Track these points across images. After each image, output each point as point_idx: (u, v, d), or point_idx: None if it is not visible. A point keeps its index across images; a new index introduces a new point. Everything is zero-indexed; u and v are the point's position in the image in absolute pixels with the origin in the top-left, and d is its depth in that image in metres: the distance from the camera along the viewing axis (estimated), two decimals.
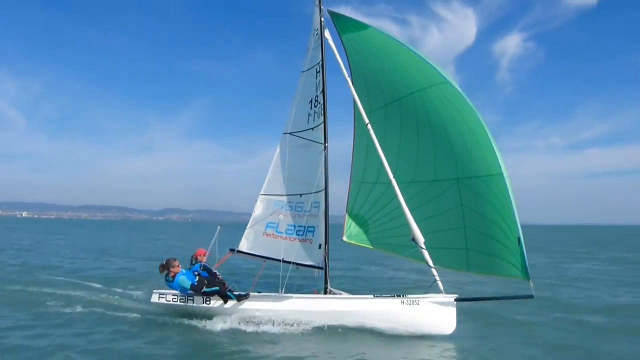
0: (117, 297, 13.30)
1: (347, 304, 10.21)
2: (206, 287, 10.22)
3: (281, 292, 10.19)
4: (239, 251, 12.15)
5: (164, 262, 10.32)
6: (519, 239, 9.27)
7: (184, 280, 10.07)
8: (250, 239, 12.22)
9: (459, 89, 10.31)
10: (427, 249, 10.44)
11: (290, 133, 12.07)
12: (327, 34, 11.58)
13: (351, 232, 12.12)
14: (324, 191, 11.35)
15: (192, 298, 10.43)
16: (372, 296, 10.22)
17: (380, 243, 11.64)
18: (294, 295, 10.25)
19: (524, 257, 9.28)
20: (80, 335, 9.42)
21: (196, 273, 10.31)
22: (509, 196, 9.45)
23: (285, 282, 10.26)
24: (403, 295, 9.83)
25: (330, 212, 11.51)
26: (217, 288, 10.25)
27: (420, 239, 9.97)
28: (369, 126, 10.71)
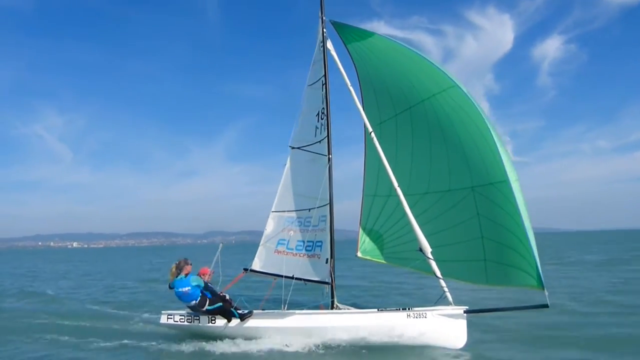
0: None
1: (351, 319, 9.73)
2: (222, 306, 10.02)
3: (284, 308, 9.84)
4: (252, 270, 11.87)
5: (179, 262, 10.27)
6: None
7: (198, 279, 10.03)
8: (262, 257, 11.98)
9: (468, 92, 9.91)
10: (445, 262, 9.99)
11: (298, 147, 11.82)
12: (329, 45, 11.35)
13: (365, 247, 11.69)
14: (329, 204, 10.98)
15: (198, 318, 10.29)
16: (376, 310, 9.72)
17: (397, 258, 11.17)
18: (297, 311, 9.89)
19: (537, 266, 8.74)
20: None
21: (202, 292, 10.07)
22: (521, 202, 8.98)
23: (288, 298, 9.86)
24: (409, 309, 9.36)
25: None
26: (220, 304, 10.01)
27: (427, 249, 9.54)
28: (373, 135, 10.41)
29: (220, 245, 11.04)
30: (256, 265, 11.96)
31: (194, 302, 9.92)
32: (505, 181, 9.05)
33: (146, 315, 13.67)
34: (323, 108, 11.44)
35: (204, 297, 9.98)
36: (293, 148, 11.96)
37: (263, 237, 12.03)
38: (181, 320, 10.43)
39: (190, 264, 10.29)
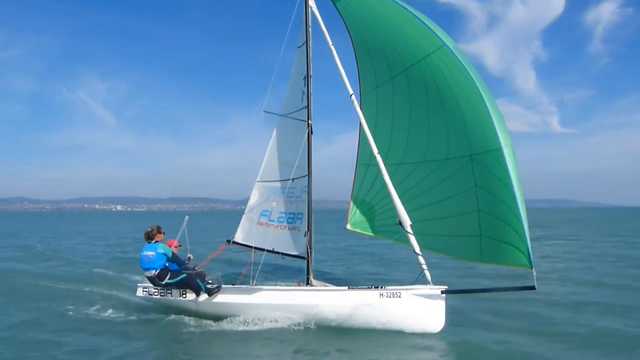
0: None
1: (319, 297, 9.02)
2: (186, 278, 9.53)
3: (252, 283, 9.32)
4: (234, 242, 11.36)
5: (151, 229, 9.77)
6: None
7: (166, 248, 9.52)
8: (245, 229, 11.47)
9: (462, 52, 8.97)
10: (439, 236, 9.36)
11: (285, 114, 11.10)
12: (312, 2, 10.47)
13: (355, 219, 10.99)
14: (308, 175, 10.33)
15: (170, 292, 9.82)
16: (346, 288, 9.02)
17: (387, 231, 10.36)
18: (264, 287, 9.36)
19: (528, 243, 7.88)
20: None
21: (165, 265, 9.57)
22: (515, 172, 8.11)
23: (258, 272, 9.50)
24: (382, 287, 8.57)
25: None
26: (184, 276, 9.52)
27: (407, 222, 8.73)
28: (353, 98, 9.51)
29: (186, 217, 10.64)
30: (238, 237, 11.45)
31: (153, 271, 9.44)
32: (502, 148, 8.13)
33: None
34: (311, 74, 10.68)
35: (165, 269, 9.48)
36: (281, 116, 11.24)
37: (247, 208, 11.49)
38: (155, 294, 10.00)
39: (163, 233, 9.78)
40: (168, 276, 9.47)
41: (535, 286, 7.71)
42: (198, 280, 9.50)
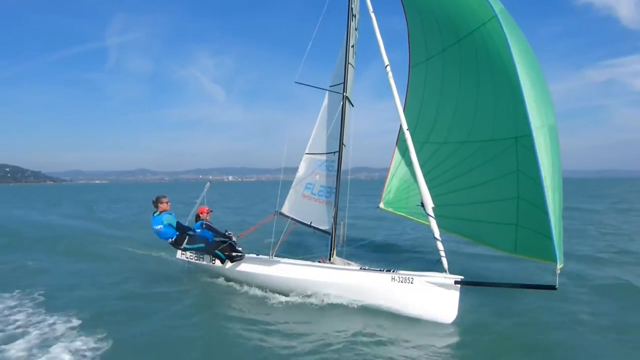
0: None
1: (332, 275, 8.77)
2: (204, 247, 9.95)
3: (272, 256, 9.29)
4: (281, 214, 11.51)
5: (155, 199, 9.98)
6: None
7: (170, 218, 9.70)
8: (291, 201, 11.47)
9: (513, 22, 8.10)
10: (472, 222, 8.84)
11: (330, 87, 10.85)
12: None
13: (389, 198, 10.57)
14: (339, 148, 10.03)
15: (202, 257, 10.30)
16: (358, 268, 8.69)
17: (419, 213, 9.80)
18: (282, 260, 9.26)
19: (561, 237, 7.07)
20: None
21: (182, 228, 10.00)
22: (558, 154, 7.38)
23: (278, 245, 9.48)
24: (394, 271, 8.13)
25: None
26: (202, 245, 9.87)
27: (429, 204, 8.11)
28: (388, 69, 8.92)
29: (208, 184, 10.92)
30: (285, 208, 11.50)
31: (170, 239, 9.80)
32: (547, 128, 7.33)
33: None
34: (353, 44, 10.31)
35: (181, 235, 9.82)
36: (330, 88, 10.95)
37: (295, 180, 11.45)
38: (190, 257, 10.57)
39: (166, 202, 9.93)
40: (185, 241, 9.87)
41: (557, 286, 6.86)
42: (217, 251, 9.80)
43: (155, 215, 9.83)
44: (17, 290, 9.63)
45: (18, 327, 7.50)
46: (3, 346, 6.70)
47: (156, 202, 9.86)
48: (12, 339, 6.96)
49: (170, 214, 9.80)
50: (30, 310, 8.33)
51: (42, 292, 9.51)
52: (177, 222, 9.90)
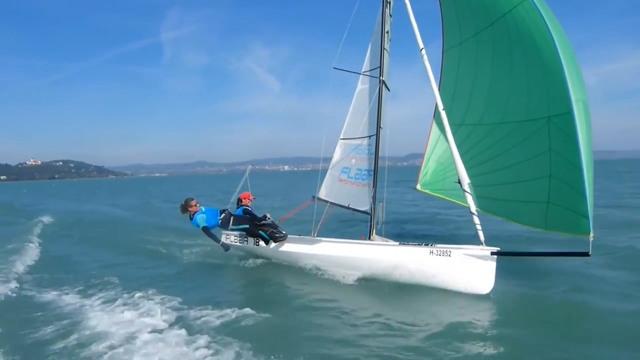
0: None
1: (372, 251, 9.20)
2: (249, 227, 10.49)
3: (313, 235, 9.84)
4: (318, 198, 11.95)
5: (183, 203, 10.51)
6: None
7: (202, 218, 10.21)
8: (328, 185, 11.93)
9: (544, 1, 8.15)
10: (505, 201, 8.95)
11: (364, 72, 11.19)
12: None
13: (426, 180, 10.78)
14: (376, 131, 10.34)
15: (247, 239, 10.85)
16: (397, 243, 9.05)
17: (456, 195, 10.03)
18: (324, 239, 9.75)
19: (591, 210, 7.20)
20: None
21: (225, 212, 10.63)
22: (589, 132, 7.38)
23: (319, 226, 10.02)
24: (432, 245, 8.47)
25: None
26: (246, 226, 10.44)
27: (465, 180, 8.44)
28: (423, 52, 9.18)
29: (249, 167, 11.45)
30: (322, 193, 11.97)
31: (217, 227, 10.51)
32: (578, 106, 7.36)
33: None
34: (388, 30, 10.52)
35: (224, 219, 10.48)
36: (352, 72, 11.38)
37: (330, 165, 11.87)
38: (234, 240, 11.10)
39: (195, 204, 10.40)
40: (231, 222, 10.50)
41: (590, 252, 7.10)
42: (260, 231, 10.34)
43: (190, 219, 10.46)
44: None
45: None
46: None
47: (185, 207, 10.43)
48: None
49: (201, 212, 10.37)
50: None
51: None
52: (215, 211, 10.61)
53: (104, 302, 8.18)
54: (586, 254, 7.14)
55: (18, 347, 6.34)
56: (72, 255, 13.17)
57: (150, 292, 8.57)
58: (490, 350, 5.95)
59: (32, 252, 13.05)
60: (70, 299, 8.41)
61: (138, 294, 8.42)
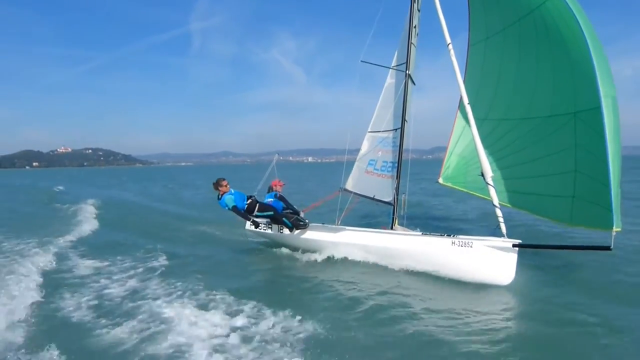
0: None
1: (394, 240, 9.41)
2: (273, 214, 10.79)
3: (337, 223, 10.20)
4: (345, 190, 12.26)
5: (215, 181, 10.72)
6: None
7: (230, 199, 10.44)
8: (355, 177, 12.18)
9: None
10: (529, 195, 9.09)
11: (392, 67, 11.37)
12: None
13: (448, 173, 10.92)
14: (401, 124, 10.55)
15: (270, 226, 11.17)
16: (420, 233, 9.25)
17: (479, 188, 10.17)
18: (346, 227, 10.02)
19: (619, 204, 7.31)
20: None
21: (251, 199, 10.86)
22: (617, 128, 7.42)
23: (342, 215, 10.57)
24: (454, 236, 8.63)
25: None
26: (271, 213, 10.72)
27: (488, 173, 8.54)
28: (450, 47, 9.25)
29: (276, 155, 11.76)
30: (349, 184, 12.25)
31: (243, 212, 10.69)
32: (606, 102, 7.39)
33: None
34: (415, 24, 10.68)
35: (250, 205, 10.71)
36: (379, 66, 11.50)
37: (358, 157, 12.13)
38: (259, 228, 11.29)
39: (225, 185, 10.60)
40: (256, 209, 10.73)
41: (612, 247, 7.17)
42: (284, 218, 10.63)
43: (218, 198, 10.70)
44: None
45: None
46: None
47: (216, 186, 10.67)
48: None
49: (230, 194, 10.58)
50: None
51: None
52: (242, 195, 10.82)
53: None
54: (608, 248, 7.22)
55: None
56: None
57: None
58: (503, 344, 6.04)
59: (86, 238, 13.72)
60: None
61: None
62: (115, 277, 9.10)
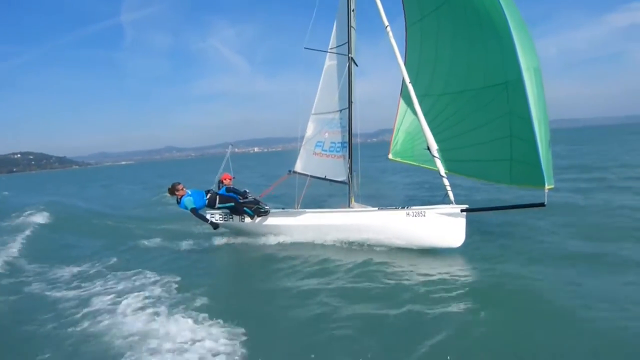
0: None
1: (353, 218, 9.97)
2: (234, 205, 10.96)
3: (297, 207, 10.62)
4: (294, 172, 12.57)
5: (170, 187, 10.70)
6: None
7: (189, 201, 10.47)
8: (304, 159, 12.54)
9: None
10: (472, 162, 9.77)
11: (331, 49, 11.75)
12: None
13: (397, 149, 11.46)
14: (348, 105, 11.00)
15: (232, 217, 11.32)
16: (376, 209, 9.84)
17: (426, 160, 10.74)
18: (307, 210, 10.46)
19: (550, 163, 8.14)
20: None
21: (210, 193, 10.94)
22: (542, 93, 8.28)
23: (301, 198, 10.83)
24: (408, 207, 9.33)
25: None
26: (232, 204, 10.92)
27: (434, 146, 9.30)
28: (388, 29, 9.87)
29: (230, 146, 11.91)
30: (298, 167, 12.60)
31: (205, 207, 10.87)
32: (532, 71, 8.17)
33: None
34: (353, 8, 11.08)
35: (210, 198, 10.81)
36: (320, 50, 11.90)
37: (304, 140, 12.48)
38: (219, 218, 11.47)
39: (181, 188, 10.61)
40: (217, 201, 10.86)
41: (545, 203, 7.97)
42: (245, 208, 10.88)
43: (177, 202, 10.71)
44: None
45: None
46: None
47: (172, 191, 10.64)
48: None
49: (188, 195, 10.59)
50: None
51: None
52: (200, 193, 10.86)
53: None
54: (542, 205, 8.02)
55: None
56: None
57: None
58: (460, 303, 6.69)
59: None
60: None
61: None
62: (58, 284, 8.88)
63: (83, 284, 8.66)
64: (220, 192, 11.36)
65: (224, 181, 11.64)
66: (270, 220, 10.94)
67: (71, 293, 8.14)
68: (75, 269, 9.85)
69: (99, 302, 7.42)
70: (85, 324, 6.61)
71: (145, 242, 12.15)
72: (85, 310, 7.12)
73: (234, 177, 11.86)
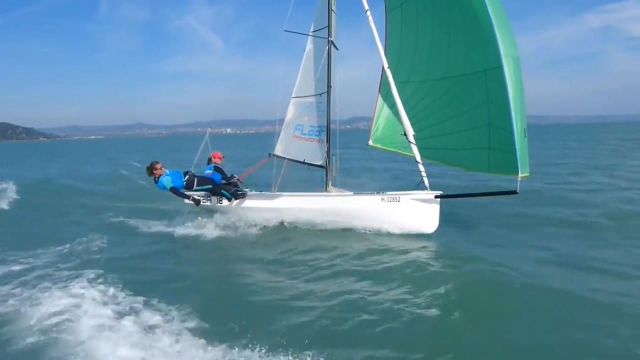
0: None
1: (329, 202, 10.11)
2: (212, 187, 10.83)
3: (274, 190, 10.64)
4: (275, 155, 12.49)
5: (148, 165, 10.48)
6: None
7: (167, 180, 10.29)
8: (283, 143, 12.52)
9: None
10: (451, 150, 9.90)
11: (312, 32, 11.68)
12: None
13: (377, 136, 11.49)
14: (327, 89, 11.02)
15: (210, 198, 11.22)
16: (351, 193, 9.98)
17: (406, 146, 10.77)
18: (284, 193, 10.50)
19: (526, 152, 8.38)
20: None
21: (188, 174, 10.72)
22: (521, 81, 8.48)
23: (279, 180, 11.02)
24: (383, 193, 9.51)
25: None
26: (210, 186, 10.80)
27: (410, 132, 9.44)
28: (368, 13, 9.93)
29: (209, 129, 11.86)
30: (278, 150, 12.59)
31: (182, 189, 10.62)
32: (511, 59, 8.34)
33: None
34: None
35: (188, 180, 10.63)
36: (301, 34, 11.82)
37: (284, 123, 12.46)
38: (199, 205, 11.11)
39: (160, 167, 10.37)
40: (195, 183, 10.65)
41: (517, 190, 8.24)
42: (223, 190, 10.80)
43: (155, 182, 10.47)
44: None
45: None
46: None
47: (150, 170, 10.39)
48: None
49: (167, 174, 10.38)
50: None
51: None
52: (178, 173, 10.62)
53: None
54: (514, 192, 8.31)
55: None
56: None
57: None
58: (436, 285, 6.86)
59: None
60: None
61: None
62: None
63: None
64: (207, 168, 11.14)
65: (214, 159, 11.34)
66: (248, 203, 10.90)
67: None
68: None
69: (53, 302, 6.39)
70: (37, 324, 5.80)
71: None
72: (36, 308, 6.22)
73: (223, 157, 11.55)
